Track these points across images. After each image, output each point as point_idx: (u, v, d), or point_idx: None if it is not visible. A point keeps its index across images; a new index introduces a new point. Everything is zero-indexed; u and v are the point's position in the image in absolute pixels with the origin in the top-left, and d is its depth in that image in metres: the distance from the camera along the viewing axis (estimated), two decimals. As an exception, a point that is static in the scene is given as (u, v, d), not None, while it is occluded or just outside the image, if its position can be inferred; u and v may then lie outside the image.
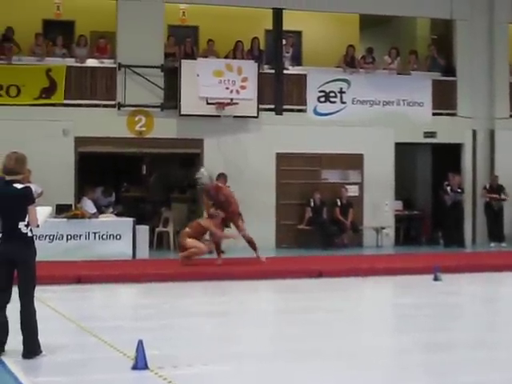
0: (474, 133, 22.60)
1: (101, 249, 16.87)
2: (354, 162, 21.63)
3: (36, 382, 7.53)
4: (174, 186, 22.57)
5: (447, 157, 22.62)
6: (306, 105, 21.35)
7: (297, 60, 22.40)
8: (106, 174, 22.08)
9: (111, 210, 19.37)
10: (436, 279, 14.74)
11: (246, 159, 20.65)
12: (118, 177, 23.47)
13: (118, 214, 18.74)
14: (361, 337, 9.88)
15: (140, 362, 7.66)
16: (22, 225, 8.22)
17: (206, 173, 16.64)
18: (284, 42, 21.68)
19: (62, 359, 8.29)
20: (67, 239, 16.83)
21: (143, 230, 17.71)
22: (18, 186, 8.28)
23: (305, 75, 21.46)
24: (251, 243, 16.48)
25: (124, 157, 21.75)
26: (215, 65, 20.22)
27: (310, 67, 21.82)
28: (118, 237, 17.14)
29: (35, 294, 8.35)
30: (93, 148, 19.85)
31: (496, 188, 22.06)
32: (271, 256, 18.94)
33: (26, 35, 20.16)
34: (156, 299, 13.12)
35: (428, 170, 23.74)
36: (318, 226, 20.85)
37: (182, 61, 20.14)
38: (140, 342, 7.71)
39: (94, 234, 17.02)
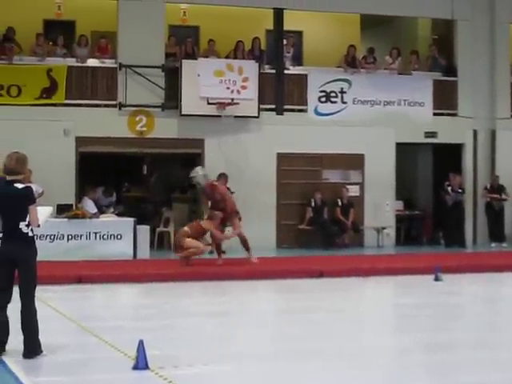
0: (475, 133, 22.59)
1: (101, 249, 16.87)
2: (355, 162, 21.63)
3: (37, 382, 7.52)
4: (175, 186, 22.56)
5: (448, 157, 22.62)
6: (306, 105, 21.35)
7: (298, 60, 22.40)
8: (106, 173, 22.07)
9: (112, 210, 19.37)
10: (437, 279, 14.74)
11: (247, 159, 20.65)
12: (118, 177, 23.47)
13: (119, 214, 18.74)
14: (362, 337, 9.89)
15: (141, 362, 7.66)
16: (22, 225, 8.22)
17: (201, 172, 16.64)
18: (285, 41, 21.68)
19: (63, 359, 8.29)
20: (68, 239, 16.82)
21: (144, 230, 17.71)
22: (19, 185, 8.27)
23: (306, 75, 21.45)
24: (245, 243, 16.45)
25: (125, 157, 21.75)
26: (216, 65, 20.22)
27: (310, 67, 21.82)
28: (119, 237, 17.13)
29: (36, 294, 8.35)
30: (94, 148, 19.86)
31: (497, 188, 22.06)
32: (272, 256, 18.99)
33: (26, 35, 20.16)
34: (157, 299, 13.12)
35: (429, 170, 23.73)
36: (318, 226, 20.84)
37: (183, 61, 20.14)
38: (141, 342, 7.71)
39: (95, 233, 17.02)
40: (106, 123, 19.66)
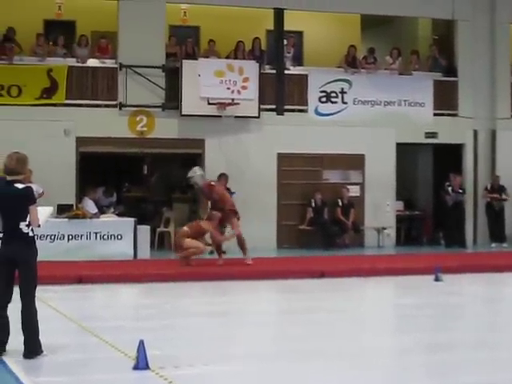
0: (475, 133, 22.59)
1: (102, 249, 16.87)
2: (356, 162, 21.63)
3: (37, 382, 7.52)
4: (176, 186, 22.56)
5: (448, 157, 22.62)
6: (307, 105, 21.35)
7: (298, 60, 22.40)
8: (107, 174, 22.07)
9: (112, 210, 19.37)
10: (437, 279, 14.74)
11: (248, 159, 20.65)
12: (119, 177, 23.47)
13: (120, 214, 18.74)
14: (362, 337, 9.88)
15: (141, 362, 7.66)
16: (23, 225, 8.21)
17: (198, 172, 16.60)
18: (285, 42, 21.69)
19: (63, 359, 8.29)
20: (68, 239, 16.82)
21: (144, 230, 17.71)
22: (19, 186, 8.27)
23: (306, 75, 21.45)
24: (242, 244, 16.41)
25: (125, 157, 21.75)
26: (216, 65, 20.23)
27: (311, 67, 21.82)
28: (119, 237, 17.13)
29: (36, 294, 8.34)
30: (94, 148, 19.86)
31: (497, 188, 22.06)
32: (272, 256, 19.01)
33: (27, 35, 20.17)
34: (157, 299, 13.12)
35: (429, 170, 23.73)
36: (319, 226, 20.84)
37: (184, 61, 20.14)
38: (141, 342, 7.71)
39: (95, 234, 17.01)
40: (106, 123, 19.66)
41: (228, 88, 19.97)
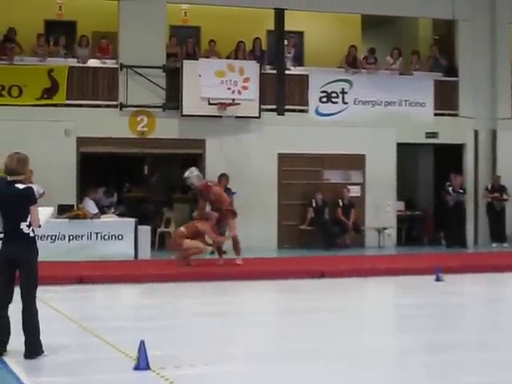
0: (476, 133, 22.59)
1: (103, 249, 16.87)
2: (356, 162, 21.63)
3: (38, 383, 7.52)
4: (176, 186, 22.55)
5: (449, 157, 22.62)
6: (307, 105, 21.35)
7: (299, 60, 22.40)
8: (107, 174, 22.08)
9: (113, 210, 19.38)
10: (438, 280, 14.74)
11: (248, 160, 20.65)
12: (119, 177, 23.48)
13: (120, 215, 18.74)
14: (363, 337, 9.89)
15: (142, 363, 7.66)
16: (23, 225, 8.21)
17: (195, 172, 16.56)
18: (286, 42, 21.69)
19: (64, 359, 8.29)
20: (69, 239, 16.82)
21: (145, 231, 17.71)
22: (20, 186, 8.27)
23: (307, 75, 21.45)
24: (236, 244, 16.40)
25: (126, 157, 21.76)
26: (217, 65, 20.24)
27: (311, 67, 21.82)
28: (120, 237, 17.13)
29: (37, 295, 8.34)
30: (95, 148, 19.87)
31: (498, 188, 22.06)
32: (273, 256, 19.01)
33: (27, 35, 20.17)
34: (158, 300, 13.13)
35: (430, 170, 23.73)
36: (319, 226, 20.84)
37: (184, 61, 20.15)
38: (142, 343, 7.71)
39: (96, 234, 17.02)
40: (107, 123, 19.67)
41: (228, 88, 19.98)
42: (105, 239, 17.05)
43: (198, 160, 20.37)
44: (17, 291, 8.29)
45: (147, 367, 7.64)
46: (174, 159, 22.31)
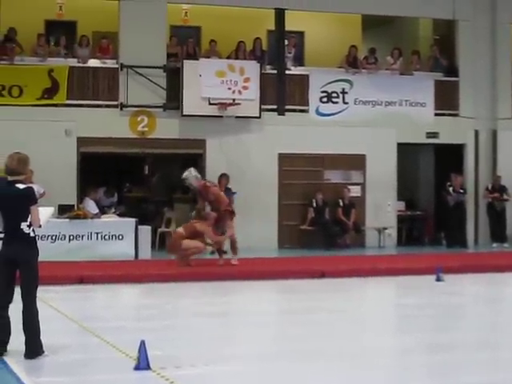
0: (477, 133, 22.59)
1: (103, 249, 16.87)
2: (357, 162, 21.63)
3: (38, 383, 7.52)
4: (177, 186, 22.51)
5: (449, 157, 22.62)
6: (308, 105, 21.34)
7: (299, 60, 22.39)
8: (108, 174, 22.08)
9: (113, 210, 19.38)
10: (438, 280, 14.73)
11: (249, 160, 20.65)
12: (120, 177, 23.48)
13: (121, 215, 18.74)
14: (363, 337, 9.88)
15: (142, 363, 7.66)
16: (24, 225, 8.21)
17: (193, 172, 16.54)
18: (286, 42, 21.69)
19: (64, 359, 8.29)
20: (69, 239, 16.82)
21: (145, 231, 17.71)
22: (20, 186, 8.27)
23: (307, 75, 21.45)
24: (233, 245, 16.39)
25: (126, 157, 21.76)
26: (217, 65, 20.24)
27: (312, 68, 21.82)
28: (121, 237, 17.13)
29: (37, 295, 8.34)
30: (95, 148, 19.87)
31: (498, 188, 22.06)
32: (273, 256, 19.00)
33: (28, 36, 20.18)
34: (158, 299, 13.13)
35: (430, 170, 23.73)
36: (320, 226, 20.84)
37: (185, 61, 20.15)
38: (142, 343, 7.71)
39: (97, 234, 17.02)
40: (107, 123, 19.67)
41: (229, 88, 19.98)
42: (105, 239, 17.05)
43: (198, 160, 20.38)
44: (17, 291, 8.29)
45: (147, 367, 7.64)
46: (174, 159, 22.30)
